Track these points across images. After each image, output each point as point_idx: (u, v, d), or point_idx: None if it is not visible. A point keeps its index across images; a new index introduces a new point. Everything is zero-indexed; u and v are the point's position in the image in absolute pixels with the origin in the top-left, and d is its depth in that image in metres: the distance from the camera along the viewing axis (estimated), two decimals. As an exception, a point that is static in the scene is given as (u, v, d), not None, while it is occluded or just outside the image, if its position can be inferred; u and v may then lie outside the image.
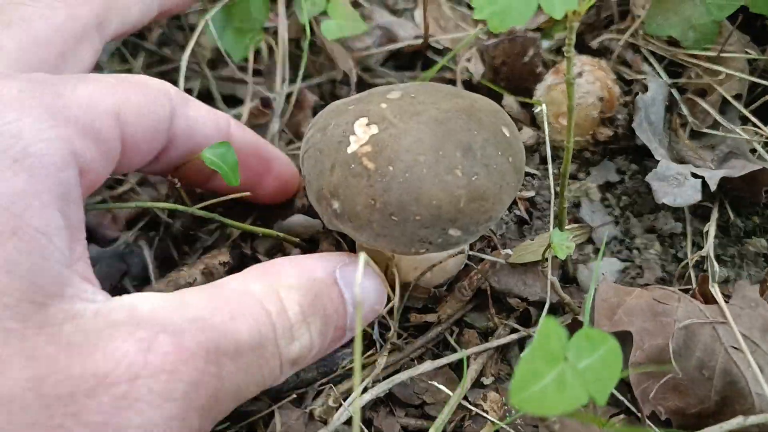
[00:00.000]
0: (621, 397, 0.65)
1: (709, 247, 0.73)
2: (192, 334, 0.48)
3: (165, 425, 0.45)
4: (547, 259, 0.71)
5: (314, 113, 0.88)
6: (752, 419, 0.57)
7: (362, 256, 0.46)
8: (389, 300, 0.66)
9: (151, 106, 0.61)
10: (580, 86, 0.82)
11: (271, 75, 0.88)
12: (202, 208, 0.72)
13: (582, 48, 0.93)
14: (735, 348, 0.64)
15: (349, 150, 0.58)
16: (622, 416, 0.65)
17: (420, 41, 0.95)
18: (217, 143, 0.67)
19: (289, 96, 0.88)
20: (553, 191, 0.74)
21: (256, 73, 0.92)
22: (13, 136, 0.47)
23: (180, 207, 0.71)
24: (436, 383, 0.67)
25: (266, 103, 0.88)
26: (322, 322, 0.57)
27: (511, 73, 0.88)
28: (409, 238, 0.58)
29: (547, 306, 0.69)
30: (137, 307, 0.48)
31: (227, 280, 0.56)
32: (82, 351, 0.44)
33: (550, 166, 0.70)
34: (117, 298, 0.49)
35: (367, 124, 0.59)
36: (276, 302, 0.54)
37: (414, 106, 0.60)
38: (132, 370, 0.44)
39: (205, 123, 0.67)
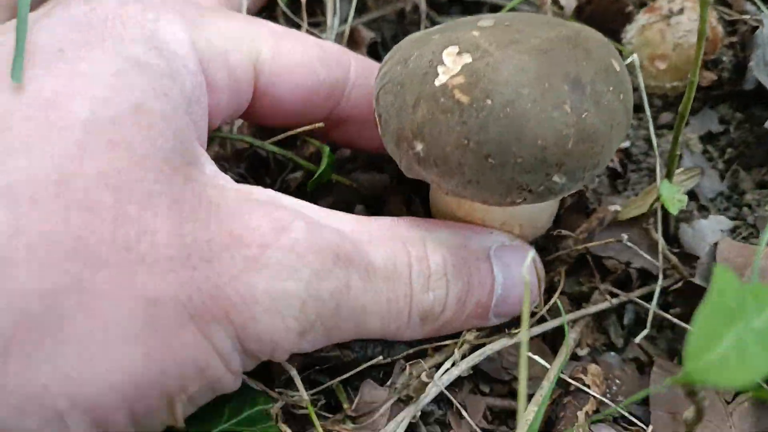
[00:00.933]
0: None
1: None
2: (329, 234, 0.48)
3: (286, 301, 0.45)
4: (652, 215, 0.63)
5: (372, 54, 0.80)
6: None
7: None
8: None
9: (312, 65, 0.59)
10: (680, 24, 0.72)
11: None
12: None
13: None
14: None
15: (438, 82, 0.50)
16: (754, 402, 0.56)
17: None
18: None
19: (342, 35, 0.79)
20: (654, 139, 0.65)
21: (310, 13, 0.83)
22: (151, 30, 0.49)
23: (256, 141, 0.67)
24: (530, 354, 0.59)
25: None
26: (463, 288, 0.54)
27: (596, 12, 0.79)
28: (507, 186, 0.50)
29: (661, 271, 0.61)
30: (281, 197, 0.50)
31: (376, 217, 0.55)
32: (221, 212, 0.45)
33: (647, 110, 0.61)
34: (259, 187, 0.50)
35: (458, 53, 0.50)
36: (420, 248, 0.53)
37: (511, 35, 0.51)
38: (264, 240, 0.45)
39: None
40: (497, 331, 0.59)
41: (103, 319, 0.40)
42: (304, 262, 0.46)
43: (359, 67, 0.62)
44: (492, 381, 0.61)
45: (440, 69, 0.50)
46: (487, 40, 0.51)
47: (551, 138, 0.48)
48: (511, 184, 0.50)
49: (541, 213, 0.61)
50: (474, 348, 0.59)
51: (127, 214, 0.42)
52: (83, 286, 0.40)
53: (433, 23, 0.83)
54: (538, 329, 0.60)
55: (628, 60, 0.62)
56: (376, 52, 0.81)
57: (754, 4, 0.80)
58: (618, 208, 0.64)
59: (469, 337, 0.58)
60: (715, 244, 0.61)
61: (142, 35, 0.49)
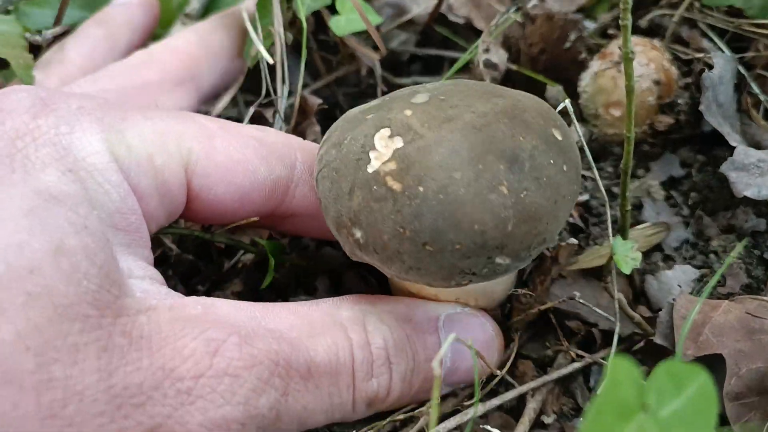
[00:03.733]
0: (717, 436, 0.55)
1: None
2: (263, 343, 0.47)
3: (225, 427, 0.44)
4: (609, 273, 0.61)
5: (324, 119, 0.79)
6: None
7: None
8: None
9: (250, 163, 0.56)
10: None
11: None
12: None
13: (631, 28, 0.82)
14: None
15: (370, 169, 0.49)
16: (718, 459, 0.54)
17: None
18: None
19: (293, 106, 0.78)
20: (604, 193, 0.64)
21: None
22: (65, 147, 0.47)
23: (204, 234, 0.66)
24: (489, 428, 0.57)
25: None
26: (408, 367, 0.53)
27: (550, 62, 0.78)
28: (448, 271, 0.49)
29: (616, 332, 0.59)
30: (215, 306, 0.49)
31: (317, 301, 0.54)
32: (152, 345, 0.44)
33: (595, 170, 0.60)
34: (195, 297, 0.49)
35: (390, 137, 0.49)
36: (361, 333, 0.52)
37: (445, 111, 0.50)
38: (198, 368, 0.44)
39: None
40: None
41: None
42: (240, 382, 0.45)
43: (306, 161, 0.59)
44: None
45: (372, 155, 0.49)
46: (420, 120, 0.50)
47: (489, 222, 0.46)
48: (452, 269, 0.49)
49: (495, 285, 0.59)
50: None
51: (51, 379, 0.39)
52: None
53: (390, 86, 0.82)
54: (497, 401, 0.59)
55: (560, 107, 0.61)
56: (330, 115, 0.80)
57: (712, 40, 0.79)
58: (575, 241, 0.62)
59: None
60: (674, 300, 0.59)
61: (55, 156, 0.46)
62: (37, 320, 0.39)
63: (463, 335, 0.54)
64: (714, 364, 0.54)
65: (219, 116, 0.72)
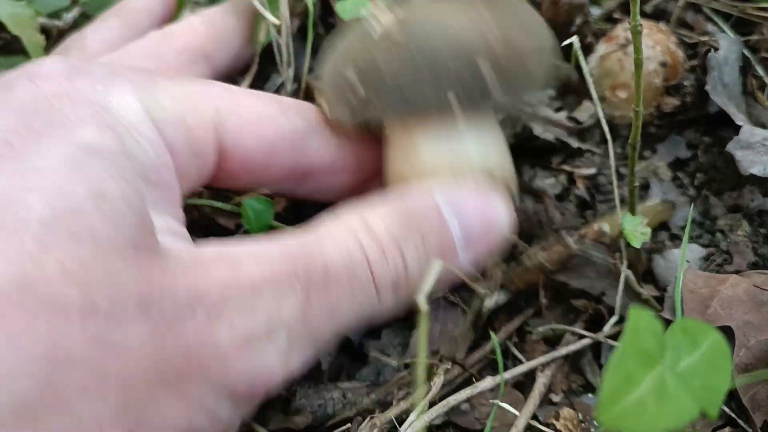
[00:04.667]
0: (724, 407, 0.54)
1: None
2: (279, 257, 0.49)
3: (255, 336, 0.46)
4: (618, 250, 0.61)
5: None
6: None
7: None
8: None
9: (273, 116, 0.59)
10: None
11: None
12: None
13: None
14: None
15: (373, 36, 0.57)
16: (727, 429, 0.54)
17: None
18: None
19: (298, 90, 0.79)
20: (614, 171, 0.64)
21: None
22: (102, 106, 0.49)
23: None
24: (500, 402, 0.57)
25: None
26: (418, 242, 0.53)
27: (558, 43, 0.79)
28: (436, 80, 0.54)
29: (618, 304, 0.59)
30: (228, 242, 0.50)
31: (316, 222, 0.55)
32: (181, 277, 0.45)
33: (610, 144, 0.60)
34: (210, 242, 0.51)
35: (385, 21, 0.57)
36: (361, 223, 0.53)
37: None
38: (221, 283, 0.45)
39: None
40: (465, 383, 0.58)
41: (77, 416, 0.39)
42: (259, 293, 0.46)
43: (318, 115, 0.62)
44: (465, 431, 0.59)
45: (375, 26, 0.57)
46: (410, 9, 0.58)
47: (475, 35, 0.54)
48: (439, 77, 0.54)
49: (489, 152, 0.60)
50: (442, 397, 0.57)
51: (96, 309, 0.41)
52: (55, 390, 0.39)
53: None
54: (508, 375, 0.59)
55: (570, 40, 0.64)
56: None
57: (716, 24, 0.79)
58: (607, 228, 0.61)
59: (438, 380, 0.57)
60: (681, 275, 0.59)
61: (92, 114, 0.48)
62: (81, 256, 0.41)
63: (463, 208, 0.55)
64: (724, 336, 0.54)
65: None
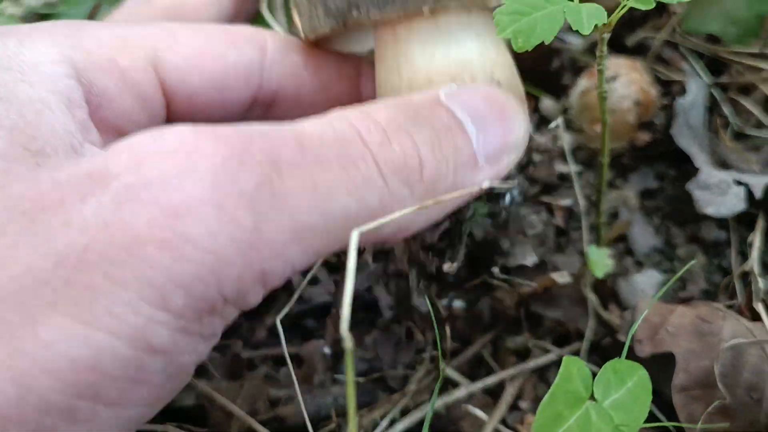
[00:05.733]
0: (661, 418, 0.63)
1: (753, 262, 0.70)
2: (230, 128, 0.42)
3: (190, 213, 0.38)
4: (583, 277, 0.69)
5: None
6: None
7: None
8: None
9: (217, 49, 0.56)
10: (615, 91, 0.79)
11: None
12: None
13: (618, 46, 0.90)
14: (785, 368, 0.61)
15: None
16: (666, 440, 0.62)
17: None
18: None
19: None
20: (580, 201, 0.71)
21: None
22: (9, 56, 0.46)
23: None
24: (470, 407, 0.65)
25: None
26: (429, 134, 0.48)
27: (542, 77, 0.86)
28: None
29: (589, 328, 0.67)
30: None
31: None
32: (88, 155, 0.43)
33: (574, 174, 0.67)
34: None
35: None
36: (356, 111, 0.48)
37: None
38: (135, 157, 0.39)
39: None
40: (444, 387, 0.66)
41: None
42: (202, 156, 0.39)
43: (277, 43, 0.60)
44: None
45: None
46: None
47: None
48: None
49: (493, 58, 0.56)
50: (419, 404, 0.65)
51: None
52: None
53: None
54: (480, 384, 0.67)
55: (553, 124, 0.69)
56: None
57: (690, 63, 0.86)
58: (563, 280, 0.68)
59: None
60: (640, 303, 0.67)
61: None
62: None
63: (473, 103, 0.51)
64: (667, 359, 0.62)
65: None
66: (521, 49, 0.49)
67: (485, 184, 0.52)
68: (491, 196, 0.56)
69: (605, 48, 0.54)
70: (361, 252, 0.57)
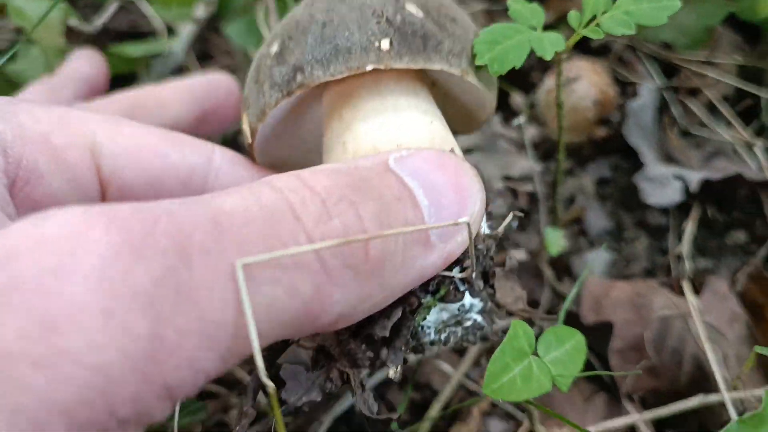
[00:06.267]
0: (604, 377, 0.75)
1: (684, 245, 0.81)
2: (128, 208, 0.35)
3: (71, 318, 0.30)
4: (539, 254, 0.80)
5: None
6: (711, 397, 0.66)
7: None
8: None
9: (158, 147, 0.55)
10: (577, 91, 0.89)
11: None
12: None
13: (584, 47, 1.00)
14: (705, 337, 0.73)
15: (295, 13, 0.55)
16: (602, 394, 0.74)
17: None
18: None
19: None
20: (539, 188, 0.82)
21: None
22: None
23: None
24: (439, 362, 0.77)
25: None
26: (377, 205, 0.42)
27: (512, 74, 0.96)
28: (362, 14, 0.50)
29: (545, 297, 0.78)
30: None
31: None
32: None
33: (531, 159, 0.78)
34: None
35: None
36: (291, 179, 0.42)
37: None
38: (13, 249, 0.31)
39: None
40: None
41: None
42: (87, 249, 0.32)
43: (226, 155, 0.59)
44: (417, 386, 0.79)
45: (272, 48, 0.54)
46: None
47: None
48: (364, 9, 0.51)
49: (436, 129, 0.53)
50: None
51: None
52: None
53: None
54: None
55: (517, 120, 0.80)
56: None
57: (646, 67, 0.97)
58: (520, 257, 0.79)
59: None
60: (590, 278, 0.78)
61: None
62: None
63: (425, 171, 0.46)
64: (607, 327, 0.73)
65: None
66: (497, 74, 0.58)
67: (438, 265, 0.46)
68: (445, 286, 0.49)
69: (561, 67, 0.65)
70: (296, 341, 0.51)
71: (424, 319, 0.49)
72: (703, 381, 0.71)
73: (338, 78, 0.50)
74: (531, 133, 0.93)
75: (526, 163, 0.88)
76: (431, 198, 0.45)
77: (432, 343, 0.49)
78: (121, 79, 0.98)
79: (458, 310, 0.51)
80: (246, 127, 0.56)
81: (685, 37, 0.92)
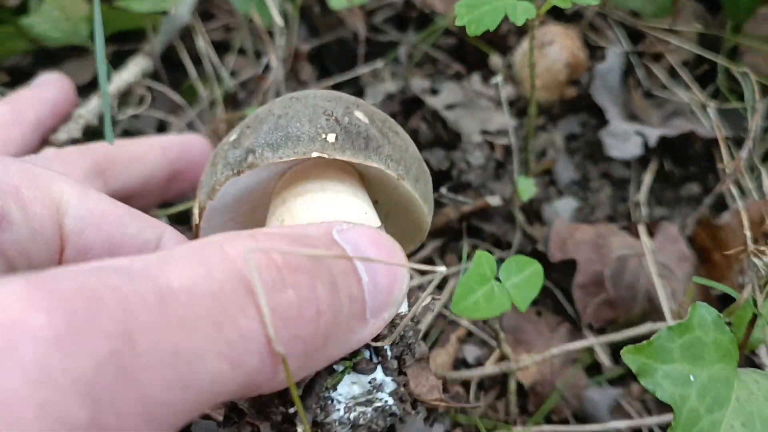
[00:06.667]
0: (567, 309, 0.84)
1: (642, 194, 0.91)
2: (71, 279, 0.33)
3: (8, 408, 0.28)
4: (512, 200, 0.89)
5: (310, 60, 1.05)
6: (658, 325, 0.75)
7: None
8: None
9: (122, 217, 0.56)
10: (550, 54, 0.98)
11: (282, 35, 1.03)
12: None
13: (558, 13, 1.08)
14: (656, 274, 0.82)
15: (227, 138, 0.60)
16: (566, 324, 0.84)
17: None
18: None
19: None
20: (514, 141, 0.91)
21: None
22: None
23: None
24: (421, 294, 0.85)
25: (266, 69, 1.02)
26: (330, 277, 0.43)
27: (491, 37, 1.04)
28: (313, 110, 0.55)
29: (516, 239, 0.87)
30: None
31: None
32: None
33: (507, 115, 0.86)
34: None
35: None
36: (249, 243, 0.41)
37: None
38: None
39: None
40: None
41: None
42: (27, 336, 0.30)
43: (174, 235, 0.59)
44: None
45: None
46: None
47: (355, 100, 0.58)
48: (316, 109, 0.55)
49: (371, 218, 0.57)
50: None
51: None
52: None
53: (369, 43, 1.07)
54: (429, 277, 0.87)
55: (494, 79, 0.88)
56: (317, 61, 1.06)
57: (615, 32, 1.05)
58: (495, 203, 0.88)
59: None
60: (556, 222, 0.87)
61: None
62: None
63: (365, 246, 0.47)
64: (571, 264, 0.83)
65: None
66: (473, 34, 0.67)
67: (367, 339, 0.47)
68: (361, 353, 0.49)
69: (535, 32, 0.73)
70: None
71: (335, 388, 0.48)
72: (653, 312, 0.81)
73: (284, 161, 0.53)
74: (507, 91, 1.01)
75: (503, 119, 0.97)
76: (370, 275, 0.46)
77: (340, 422, 0.48)
78: (128, 34, 1.04)
79: (370, 383, 0.49)
80: (195, 209, 0.59)
81: (651, 6, 1.01)
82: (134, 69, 0.97)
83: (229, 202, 0.60)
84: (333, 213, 0.54)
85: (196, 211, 0.59)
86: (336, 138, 0.53)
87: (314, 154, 0.52)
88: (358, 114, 0.56)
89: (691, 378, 0.53)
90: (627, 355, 0.52)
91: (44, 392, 0.29)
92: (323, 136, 0.53)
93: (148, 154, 0.74)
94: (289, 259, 0.41)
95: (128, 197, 0.70)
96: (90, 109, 0.87)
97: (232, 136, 0.57)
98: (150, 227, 0.57)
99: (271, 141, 0.53)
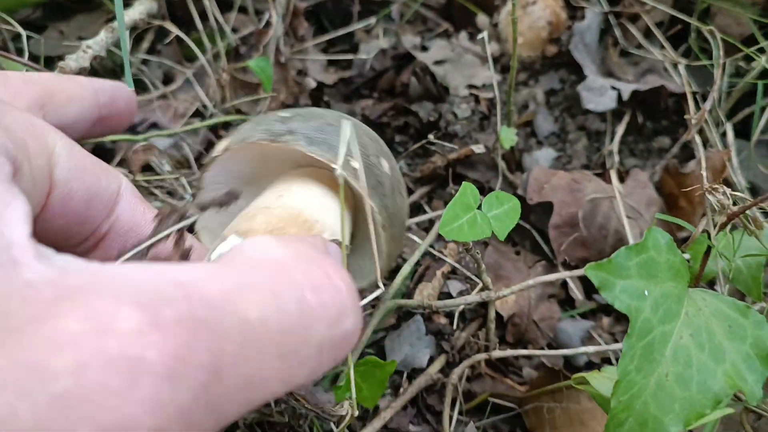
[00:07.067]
0: (544, 249, 0.91)
1: (614, 144, 0.98)
2: (173, 308, 0.34)
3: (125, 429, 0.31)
4: (496, 149, 0.96)
5: (307, 17, 1.12)
6: (626, 263, 0.83)
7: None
8: None
9: (97, 171, 0.58)
10: (533, 12, 1.04)
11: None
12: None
13: (541, -25, 1.14)
14: (626, 216, 0.90)
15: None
16: (543, 262, 0.91)
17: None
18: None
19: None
20: (498, 94, 0.97)
21: None
22: None
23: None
24: (410, 235, 0.93)
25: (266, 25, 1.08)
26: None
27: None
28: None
29: (499, 183, 0.94)
30: (104, 270, 0.35)
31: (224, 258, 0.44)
32: (21, 334, 0.31)
33: (492, 69, 0.93)
34: (75, 261, 0.36)
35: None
36: (322, 270, 0.44)
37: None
38: (78, 358, 0.31)
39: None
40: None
41: None
42: (143, 369, 0.32)
43: (130, 187, 0.61)
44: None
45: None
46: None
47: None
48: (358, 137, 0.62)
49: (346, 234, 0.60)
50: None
51: None
52: None
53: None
54: (417, 219, 0.94)
55: (480, 36, 0.95)
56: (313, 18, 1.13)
57: (595, -7, 1.12)
58: (479, 150, 0.95)
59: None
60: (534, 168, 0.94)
61: None
62: None
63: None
64: (548, 206, 0.90)
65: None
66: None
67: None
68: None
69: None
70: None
71: None
72: (622, 250, 0.88)
73: (311, 155, 0.57)
74: (493, 48, 1.07)
75: (488, 74, 1.03)
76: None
77: None
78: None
79: None
80: (222, 145, 0.63)
81: (628, -32, 1.07)
82: (140, 8, 1.01)
83: (246, 157, 0.66)
84: (322, 212, 0.59)
85: (221, 146, 0.63)
86: (359, 167, 0.57)
87: (335, 166, 0.55)
88: (384, 162, 0.63)
89: (646, 293, 0.60)
90: (590, 270, 0.59)
91: (157, 420, 0.31)
92: (350, 159, 0.58)
93: (83, 95, 0.73)
94: (344, 285, 0.43)
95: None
96: (98, 41, 0.90)
97: (285, 114, 0.62)
98: (114, 178, 0.59)
99: (311, 136, 0.58)
